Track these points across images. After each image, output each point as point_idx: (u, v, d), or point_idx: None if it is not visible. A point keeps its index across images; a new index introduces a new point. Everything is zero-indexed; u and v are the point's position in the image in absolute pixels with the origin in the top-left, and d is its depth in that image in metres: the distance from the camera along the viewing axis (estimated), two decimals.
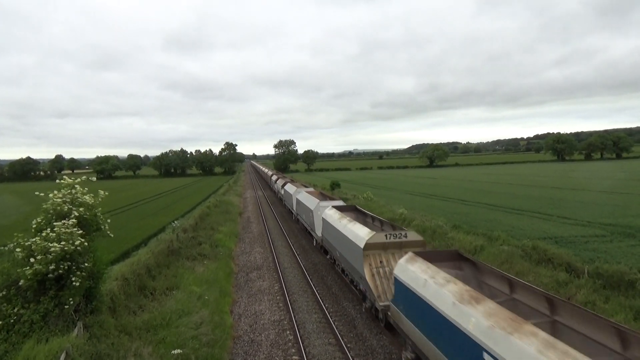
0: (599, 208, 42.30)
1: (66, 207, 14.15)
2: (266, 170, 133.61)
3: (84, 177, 15.72)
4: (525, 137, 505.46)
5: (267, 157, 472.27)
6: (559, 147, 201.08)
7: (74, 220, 13.57)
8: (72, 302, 12.56)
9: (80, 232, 13.40)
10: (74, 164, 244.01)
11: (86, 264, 13.00)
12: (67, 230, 12.99)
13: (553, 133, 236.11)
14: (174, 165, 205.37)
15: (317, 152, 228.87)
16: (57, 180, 15.11)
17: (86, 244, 13.22)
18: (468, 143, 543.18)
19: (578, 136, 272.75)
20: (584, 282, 18.59)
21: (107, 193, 15.65)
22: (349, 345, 16.17)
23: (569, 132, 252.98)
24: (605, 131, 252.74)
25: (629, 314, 15.46)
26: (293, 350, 15.94)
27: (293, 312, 19.63)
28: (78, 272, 12.62)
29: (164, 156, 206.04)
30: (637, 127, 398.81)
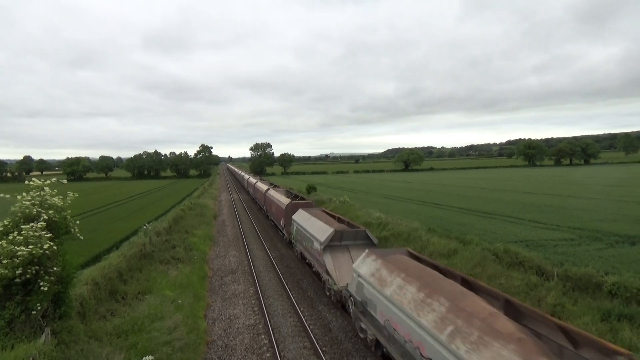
0: (568, 212, 43.45)
1: (35, 210, 13.75)
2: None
3: (53, 179, 15.29)
4: (497, 143, 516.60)
5: (243, 159, 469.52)
6: (530, 152, 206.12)
7: (42, 223, 13.18)
8: (39, 308, 12.19)
9: (49, 235, 13.03)
10: (43, 165, 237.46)
11: (55, 268, 12.63)
12: (35, 233, 12.61)
13: (525, 139, 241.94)
14: (147, 167, 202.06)
15: (293, 156, 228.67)
16: (26, 182, 14.67)
17: (55, 247, 12.86)
18: (443, 148, 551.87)
19: (548, 142, 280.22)
20: (554, 284, 19.04)
21: (76, 195, 15.25)
22: (324, 348, 16.16)
23: (539, 138, 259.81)
24: (575, 138, 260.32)
25: (596, 315, 15.90)
26: (268, 354, 15.85)
27: (268, 316, 19.53)
28: (46, 277, 12.25)
29: (137, 158, 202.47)
30: (605, 134, 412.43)
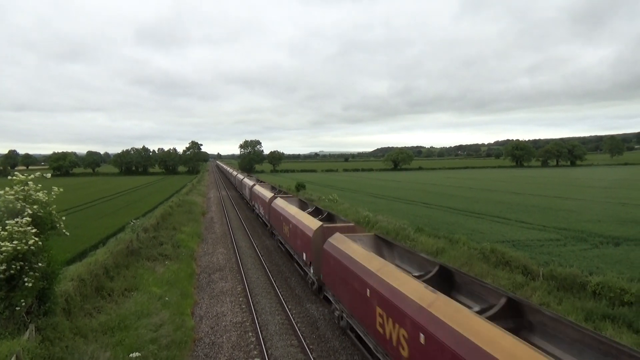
0: (554, 213, 43.96)
1: (19, 205, 13.56)
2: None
3: (37, 173, 15.08)
4: (486, 143, 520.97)
5: (232, 156, 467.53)
6: (517, 153, 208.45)
7: (27, 218, 13.01)
8: (23, 304, 12.04)
9: (34, 230, 12.87)
10: (29, 160, 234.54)
11: (40, 264, 12.49)
12: (20, 228, 12.44)
13: (513, 140, 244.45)
14: (135, 163, 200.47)
15: (283, 153, 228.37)
16: (8, 177, 14.45)
17: (40, 243, 12.70)
18: (432, 147, 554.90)
19: (536, 143, 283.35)
20: (539, 284, 19.29)
21: (61, 190, 15.04)
22: (311, 346, 16.17)
23: (527, 139, 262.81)
24: (561, 139, 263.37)
25: (580, 314, 16.13)
26: (255, 352, 15.81)
27: (255, 314, 19.48)
28: (31, 273, 12.11)
29: (125, 154, 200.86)
30: (591, 136, 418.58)
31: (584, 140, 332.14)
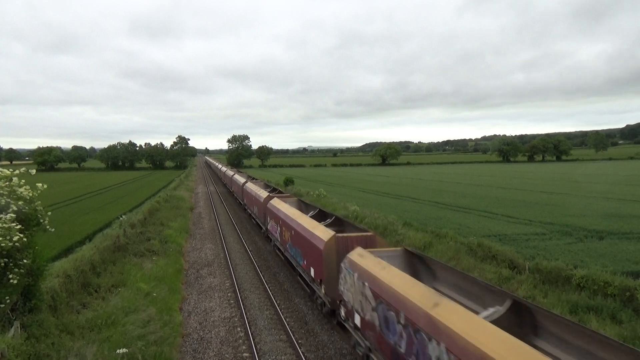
0: (540, 207, 44.50)
1: (3, 201, 13.34)
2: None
3: (22, 169, 14.83)
4: (473, 138, 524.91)
5: (220, 151, 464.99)
6: (504, 148, 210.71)
7: (12, 214, 12.80)
8: (8, 301, 11.88)
9: (19, 227, 12.68)
10: (13, 155, 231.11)
11: (25, 261, 12.32)
12: (4, 225, 12.25)
13: (500, 135, 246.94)
14: (122, 158, 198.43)
15: (271, 148, 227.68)
16: None
17: (25, 239, 12.53)
18: (420, 142, 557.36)
19: (522, 138, 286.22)
20: (525, 277, 19.54)
21: (45, 186, 14.80)
22: (300, 341, 16.21)
23: (514, 135, 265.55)
24: (547, 135, 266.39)
25: (565, 307, 16.39)
26: (244, 347, 15.82)
27: (244, 309, 19.47)
28: (16, 269, 11.94)
29: (111, 148, 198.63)
30: (577, 132, 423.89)
31: (569, 136, 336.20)
